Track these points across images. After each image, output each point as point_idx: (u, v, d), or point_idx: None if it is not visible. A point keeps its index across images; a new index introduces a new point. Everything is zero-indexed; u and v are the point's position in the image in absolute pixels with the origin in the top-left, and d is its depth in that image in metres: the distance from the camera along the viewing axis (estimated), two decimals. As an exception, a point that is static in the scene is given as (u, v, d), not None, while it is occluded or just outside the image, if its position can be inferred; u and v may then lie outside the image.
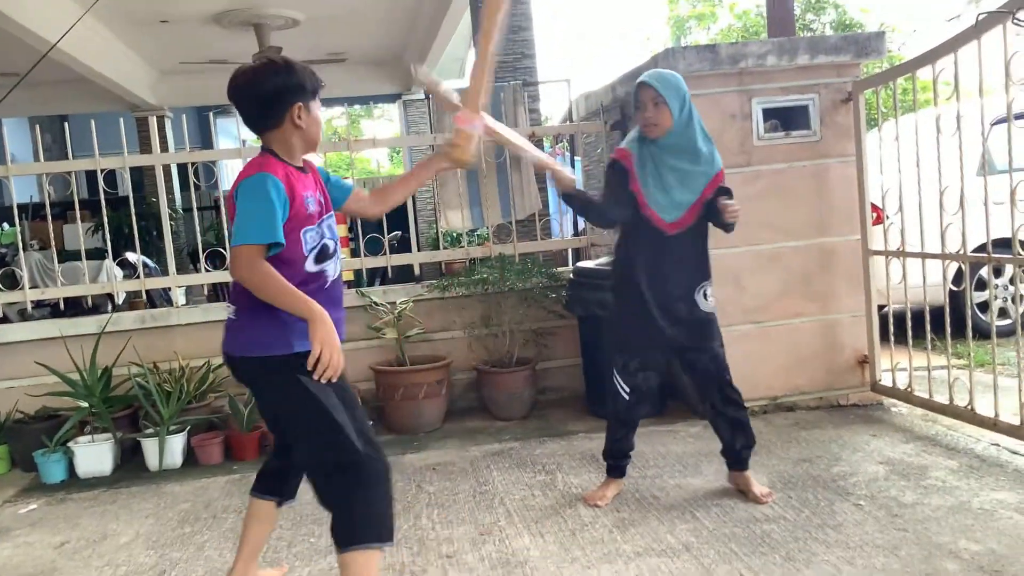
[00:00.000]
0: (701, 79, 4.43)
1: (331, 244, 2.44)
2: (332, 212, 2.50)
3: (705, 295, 3.30)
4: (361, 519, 2.29)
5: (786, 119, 4.58)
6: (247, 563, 2.71)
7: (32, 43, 7.19)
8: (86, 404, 4.41)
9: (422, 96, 12.82)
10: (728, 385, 3.37)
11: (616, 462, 3.47)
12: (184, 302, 5.96)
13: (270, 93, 2.35)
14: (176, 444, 4.34)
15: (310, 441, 2.37)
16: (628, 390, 3.35)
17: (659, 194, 3.23)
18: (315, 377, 2.20)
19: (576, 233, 6.35)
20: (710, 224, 3.33)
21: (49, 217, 5.05)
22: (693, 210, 3.24)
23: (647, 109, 3.20)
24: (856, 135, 4.53)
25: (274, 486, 2.69)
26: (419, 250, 5.71)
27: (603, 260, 4.97)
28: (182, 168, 7.39)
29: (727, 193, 3.26)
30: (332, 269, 2.45)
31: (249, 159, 2.43)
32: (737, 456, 3.38)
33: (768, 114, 4.55)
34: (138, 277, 5.21)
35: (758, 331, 4.51)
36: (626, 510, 3.29)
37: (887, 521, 3.02)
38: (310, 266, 2.36)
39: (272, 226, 2.21)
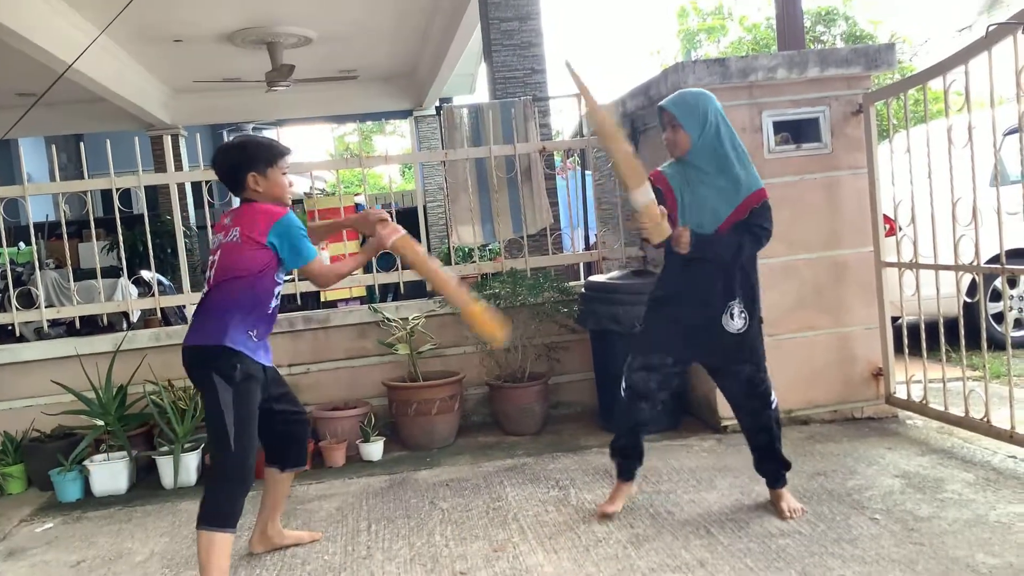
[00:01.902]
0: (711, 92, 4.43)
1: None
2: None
3: (732, 315, 3.24)
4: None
5: (797, 132, 4.58)
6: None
7: (48, 64, 7.30)
8: (101, 422, 4.44)
9: (433, 112, 12.90)
10: (767, 408, 3.34)
11: (622, 460, 3.45)
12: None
13: (228, 169, 3.04)
14: (191, 462, 4.35)
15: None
16: (625, 386, 3.40)
17: (690, 212, 3.25)
18: None
19: (588, 247, 6.36)
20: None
21: (65, 236, 5.10)
22: (721, 229, 3.22)
23: (666, 131, 3.31)
24: (867, 147, 4.53)
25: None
26: (431, 266, 5.72)
27: (615, 274, 4.97)
28: (196, 186, 7.47)
29: (761, 213, 3.22)
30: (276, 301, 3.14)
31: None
32: (771, 476, 3.40)
33: (779, 127, 4.55)
34: (153, 295, 5.25)
35: (771, 344, 4.41)
36: (640, 525, 3.28)
37: (903, 535, 2.99)
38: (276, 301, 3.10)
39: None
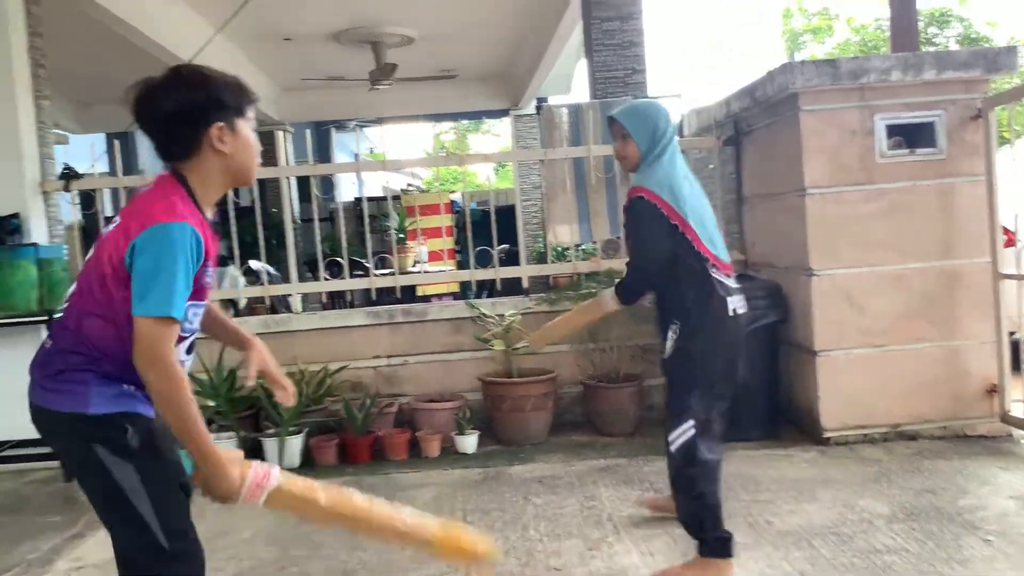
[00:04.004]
0: (819, 94, 4.34)
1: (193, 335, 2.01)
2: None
3: (666, 336, 2.91)
4: None
5: (910, 136, 4.43)
6: None
7: (167, 61, 7.65)
8: (213, 403, 4.63)
9: (529, 111, 12.97)
10: (667, 446, 2.89)
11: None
12: (300, 309, 6.20)
13: (176, 112, 1.88)
14: (295, 445, 4.51)
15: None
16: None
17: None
18: None
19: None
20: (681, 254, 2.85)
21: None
22: None
23: (616, 142, 3.08)
24: (986, 153, 4.34)
25: None
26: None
27: (714, 278, 4.90)
28: (300, 180, 7.73)
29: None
30: (188, 363, 2.03)
31: (157, 190, 1.90)
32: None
33: (891, 131, 4.40)
34: (261, 284, 5.45)
35: (878, 355, 4.35)
36: (738, 534, 3.20)
37: (1019, 558, 2.86)
38: (180, 355, 1.91)
39: (181, 295, 1.80)
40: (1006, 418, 4.30)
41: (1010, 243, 4.56)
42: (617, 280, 3.05)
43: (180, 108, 1.87)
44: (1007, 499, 3.42)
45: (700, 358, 2.84)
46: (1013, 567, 2.80)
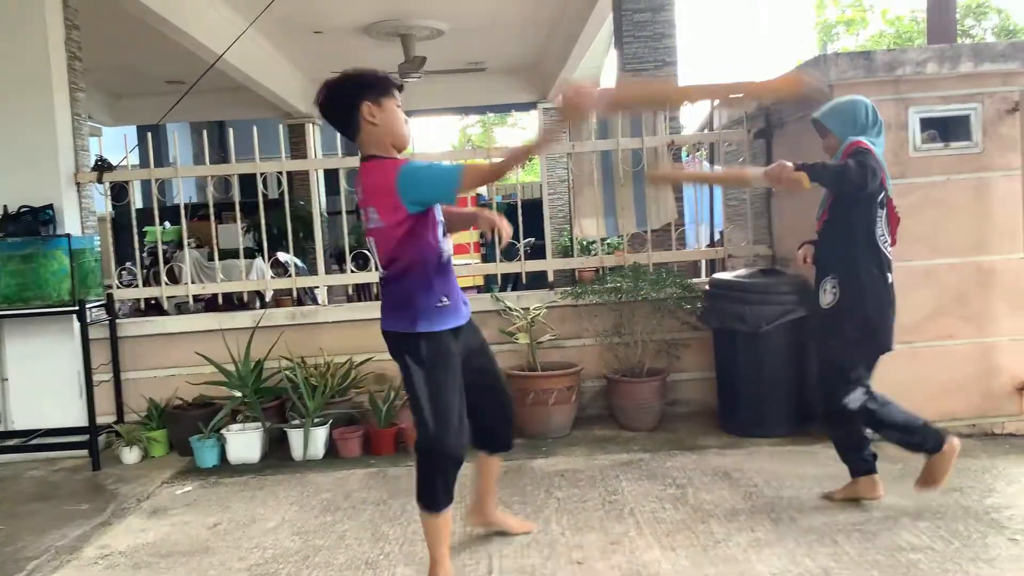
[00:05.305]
0: (853, 86, 4.27)
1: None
2: None
3: (825, 290, 3.34)
4: None
5: (945, 130, 4.35)
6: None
7: (199, 54, 7.73)
8: (239, 394, 4.68)
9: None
10: (828, 399, 3.36)
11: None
12: (326, 301, 6.25)
13: (339, 101, 2.74)
14: (319, 436, 4.55)
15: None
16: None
17: None
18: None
19: (712, 244, 6.23)
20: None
21: (213, 217, 5.40)
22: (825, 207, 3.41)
23: (823, 140, 3.45)
24: (1023, 148, 4.25)
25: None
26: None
27: (741, 272, 4.86)
28: (328, 173, 7.79)
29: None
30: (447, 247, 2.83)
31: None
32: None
33: (925, 124, 4.33)
34: (289, 276, 5.50)
35: (907, 352, 4.27)
36: (761, 530, 3.21)
37: (1049, 561, 2.81)
38: (440, 240, 2.78)
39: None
40: (1038, 417, 4.23)
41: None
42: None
43: (343, 97, 2.73)
44: (1038, 500, 3.37)
45: (864, 321, 3.26)
46: (1042, 569, 2.76)
